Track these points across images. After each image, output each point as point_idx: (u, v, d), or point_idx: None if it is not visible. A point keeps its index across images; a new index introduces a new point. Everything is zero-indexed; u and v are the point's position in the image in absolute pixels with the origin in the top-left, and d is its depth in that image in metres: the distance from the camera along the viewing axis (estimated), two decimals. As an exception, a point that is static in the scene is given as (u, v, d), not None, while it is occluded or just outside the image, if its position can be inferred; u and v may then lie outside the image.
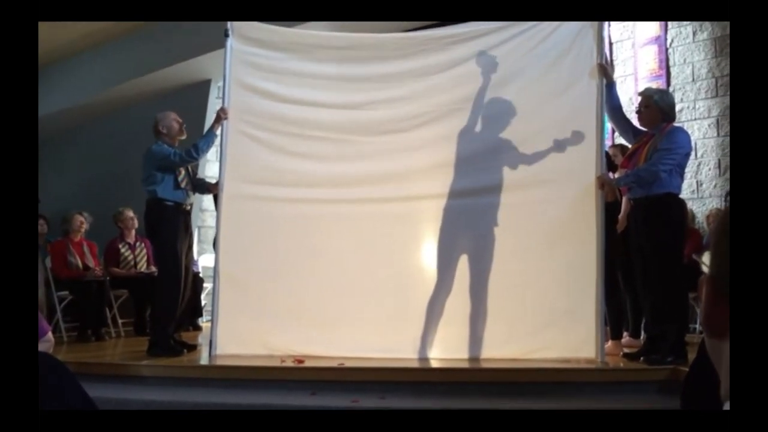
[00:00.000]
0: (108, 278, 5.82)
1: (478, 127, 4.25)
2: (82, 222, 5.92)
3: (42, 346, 3.73)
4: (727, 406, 0.58)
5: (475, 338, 4.10)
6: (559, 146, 4.10)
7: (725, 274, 0.60)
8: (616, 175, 4.31)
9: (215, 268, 4.28)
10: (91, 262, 5.82)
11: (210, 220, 7.10)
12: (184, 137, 4.56)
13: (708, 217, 5.69)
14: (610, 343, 4.28)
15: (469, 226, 4.22)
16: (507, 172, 4.19)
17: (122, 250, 5.99)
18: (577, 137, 4.07)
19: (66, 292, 5.57)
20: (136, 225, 6.02)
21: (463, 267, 4.18)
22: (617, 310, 4.41)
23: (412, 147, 4.31)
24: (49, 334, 3.91)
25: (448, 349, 4.12)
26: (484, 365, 3.96)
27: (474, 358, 4.05)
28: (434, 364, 4.06)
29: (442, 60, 4.32)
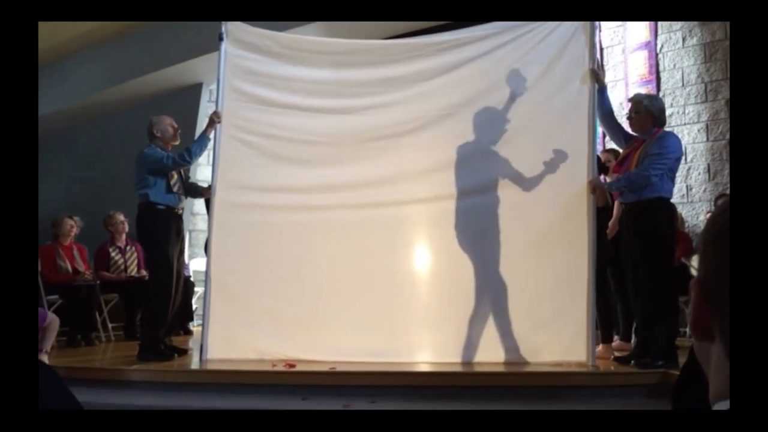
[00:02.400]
0: (98, 282, 5.78)
1: (469, 133, 4.26)
2: (72, 226, 5.88)
3: (52, 325, 3.80)
4: (716, 408, 0.58)
5: (467, 342, 4.10)
6: (551, 151, 4.12)
7: (713, 278, 0.60)
8: (607, 179, 4.33)
9: (206, 273, 4.26)
10: (81, 266, 5.78)
11: (201, 223, 7.08)
12: (177, 143, 4.55)
13: None
14: (601, 346, 4.30)
15: (460, 230, 4.22)
16: (498, 177, 4.20)
17: (112, 254, 5.95)
18: (569, 142, 4.09)
19: (56, 297, 5.53)
20: (127, 229, 5.99)
21: (455, 270, 4.18)
22: (608, 313, 4.42)
23: (404, 152, 4.32)
24: (49, 314, 3.93)
25: (439, 353, 4.13)
26: (476, 369, 3.96)
27: (465, 362, 4.05)
28: (425, 367, 4.06)
29: (434, 66, 4.33)
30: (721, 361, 0.59)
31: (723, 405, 0.57)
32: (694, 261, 5.14)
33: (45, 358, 3.83)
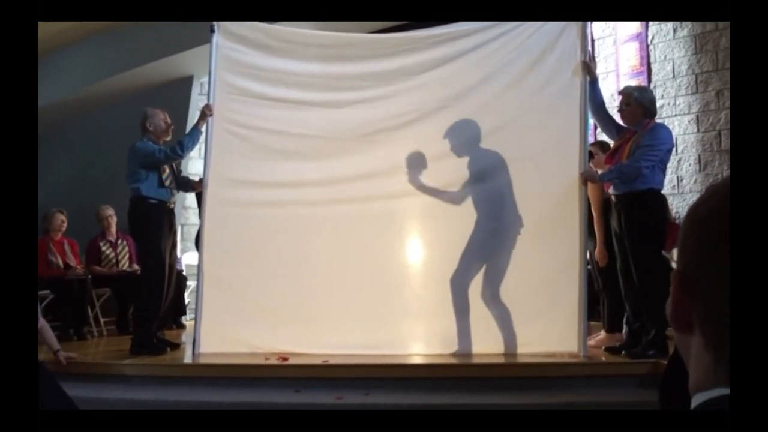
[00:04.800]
0: (90, 277, 5.76)
1: (463, 126, 4.26)
2: (63, 221, 5.84)
3: (44, 326, 3.80)
4: (696, 399, 0.58)
5: (460, 333, 4.12)
6: (543, 142, 4.13)
7: (692, 269, 0.60)
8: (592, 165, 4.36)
9: (199, 266, 4.26)
10: (72, 261, 5.76)
11: (193, 217, 7.06)
12: (168, 138, 4.52)
13: None
14: (603, 334, 4.35)
15: (452, 222, 4.23)
16: (491, 170, 4.21)
17: (104, 249, 5.92)
18: (561, 134, 4.10)
19: (47, 291, 5.51)
20: (115, 223, 5.95)
21: (448, 262, 4.19)
22: (616, 303, 4.37)
23: (397, 145, 4.31)
24: (41, 319, 3.94)
25: (432, 345, 4.15)
26: (468, 360, 3.98)
27: (458, 354, 4.07)
28: (418, 359, 4.07)
29: (427, 59, 4.32)
30: (701, 352, 0.59)
31: (702, 396, 0.58)
32: (674, 254, 5.17)
33: (63, 356, 3.85)
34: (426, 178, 4.27)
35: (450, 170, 4.25)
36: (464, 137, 4.20)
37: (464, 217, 4.20)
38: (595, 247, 4.31)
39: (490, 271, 4.11)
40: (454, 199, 4.24)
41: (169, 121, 4.51)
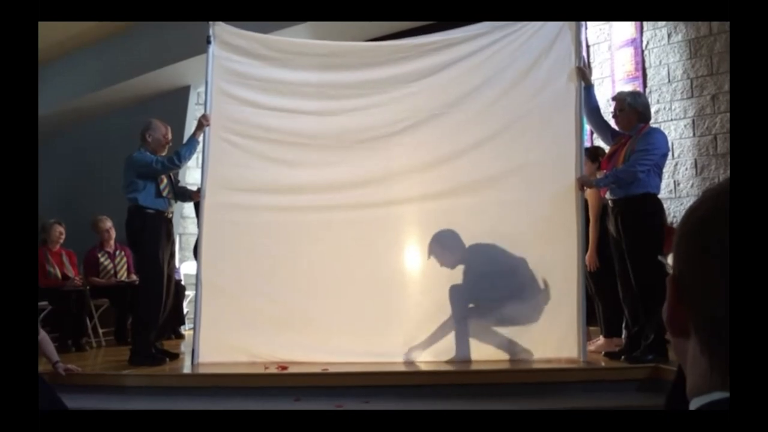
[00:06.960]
0: (88, 287, 5.75)
1: (458, 132, 4.28)
2: (61, 232, 5.84)
3: (44, 339, 3.76)
4: (693, 404, 0.58)
5: (460, 340, 4.11)
6: (539, 148, 4.14)
7: (686, 274, 0.60)
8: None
9: (197, 276, 4.25)
10: (70, 272, 5.75)
11: (191, 227, 7.06)
12: (164, 153, 4.52)
13: None
14: (602, 339, 4.34)
15: (450, 228, 4.24)
16: (488, 175, 4.22)
17: (102, 259, 5.91)
18: (557, 139, 4.11)
19: (45, 303, 5.50)
20: (114, 235, 5.95)
21: (445, 268, 4.19)
22: (613, 307, 4.38)
23: (393, 152, 4.33)
24: (40, 331, 3.91)
25: (432, 352, 4.14)
26: (468, 367, 3.98)
27: (458, 360, 4.06)
28: (418, 366, 4.06)
29: (421, 67, 4.34)
30: (697, 357, 0.59)
31: (699, 400, 0.58)
32: (669, 258, 5.17)
33: (61, 368, 3.79)
34: (422, 185, 4.28)
35: (447, 178, 4.25)
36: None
37: (462, 223, 4.21)
38: (586, 251, 4.31)
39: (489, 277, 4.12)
40: (451, 205, 4.24)
41: (169, 137, 4.52)
